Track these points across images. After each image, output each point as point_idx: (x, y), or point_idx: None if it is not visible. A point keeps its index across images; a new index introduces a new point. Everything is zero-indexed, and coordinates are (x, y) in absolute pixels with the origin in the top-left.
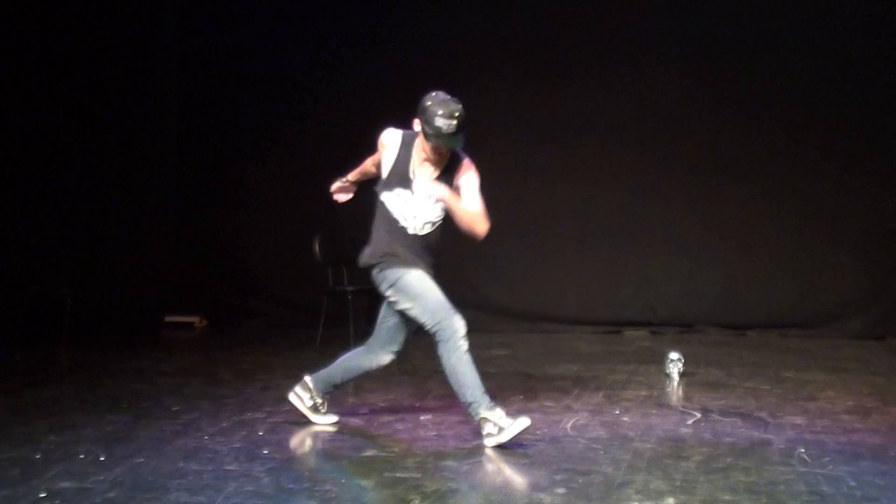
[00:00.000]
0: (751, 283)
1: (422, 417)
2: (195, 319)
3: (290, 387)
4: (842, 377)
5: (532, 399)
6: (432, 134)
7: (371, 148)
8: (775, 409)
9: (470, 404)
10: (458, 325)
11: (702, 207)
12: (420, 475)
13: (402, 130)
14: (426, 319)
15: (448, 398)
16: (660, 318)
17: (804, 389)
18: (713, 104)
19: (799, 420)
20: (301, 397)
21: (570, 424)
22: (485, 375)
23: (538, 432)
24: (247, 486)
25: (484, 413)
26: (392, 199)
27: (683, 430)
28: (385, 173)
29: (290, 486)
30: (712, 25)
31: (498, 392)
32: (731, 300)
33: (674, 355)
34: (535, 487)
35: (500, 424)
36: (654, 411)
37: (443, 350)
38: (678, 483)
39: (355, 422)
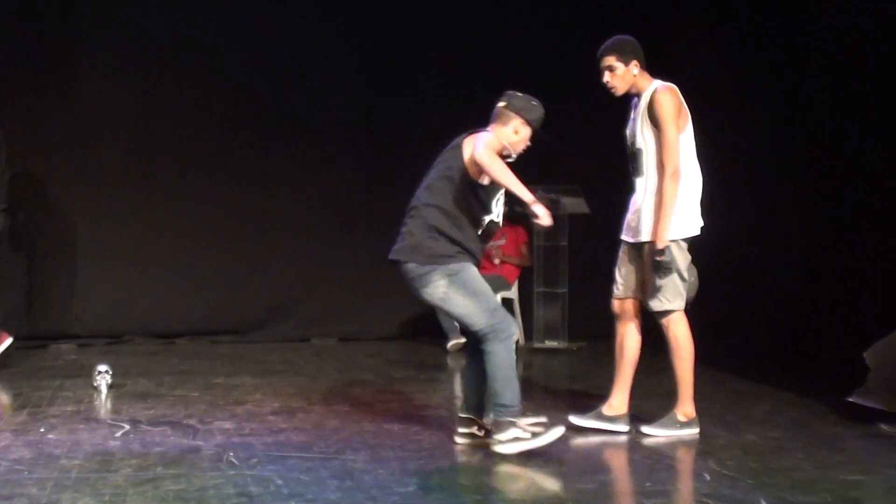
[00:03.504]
0: (181, 291)
1: None
2: None
3: None
4: (269, 380)
5: None
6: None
7: None
8: (204, 415)
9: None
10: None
11: (128, 217)
12: None
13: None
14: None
15: None
16: (88, 330)
17: (233, 394)
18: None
19: (228, 424)
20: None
21: None
22: None
23: None
24: None
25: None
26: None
27: (112, 444)
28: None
29: None
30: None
31: None
32: (160, 309)
33: (101, 367)
34: None
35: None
36: (81, 426)
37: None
38: (107, 498)
39: None
